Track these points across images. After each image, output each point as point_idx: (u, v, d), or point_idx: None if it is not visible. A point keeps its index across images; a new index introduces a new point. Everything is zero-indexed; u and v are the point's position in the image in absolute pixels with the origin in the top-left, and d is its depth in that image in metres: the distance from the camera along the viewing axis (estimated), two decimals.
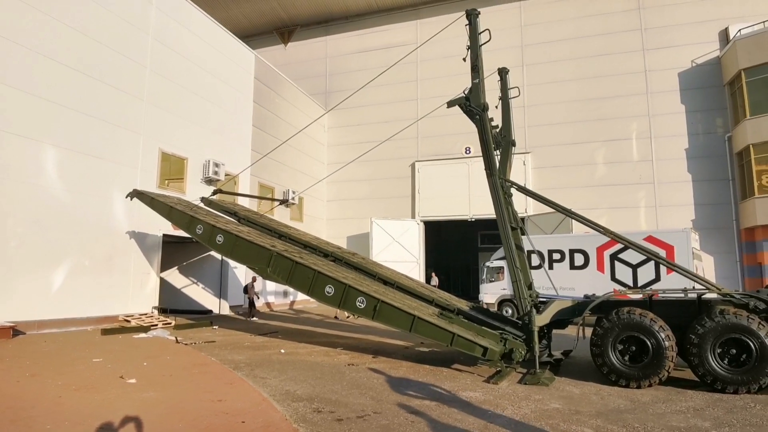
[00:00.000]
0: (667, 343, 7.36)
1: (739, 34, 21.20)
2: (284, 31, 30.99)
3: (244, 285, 18.98)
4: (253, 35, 30.64)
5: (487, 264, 19.44)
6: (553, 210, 9.87)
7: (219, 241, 11.69)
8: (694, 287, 8.39)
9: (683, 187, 22.36)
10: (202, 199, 15.46)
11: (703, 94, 22.64)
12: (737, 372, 7.04)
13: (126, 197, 14.58)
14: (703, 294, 8.02)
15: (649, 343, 7.41)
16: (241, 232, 11.94)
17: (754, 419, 5.81)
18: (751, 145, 20.21)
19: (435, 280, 24.07)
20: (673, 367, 7.48)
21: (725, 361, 7.17)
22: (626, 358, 7.59)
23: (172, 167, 17.38)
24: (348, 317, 17.17)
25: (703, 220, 21.51)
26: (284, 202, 18.51)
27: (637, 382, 7.40)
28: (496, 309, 16.92)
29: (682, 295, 8.30)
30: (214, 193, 15.79)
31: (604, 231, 8.95)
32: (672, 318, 7.69)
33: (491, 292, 18.59)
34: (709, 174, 22.12)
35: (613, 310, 7.85)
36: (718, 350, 7.19)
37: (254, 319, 17.47)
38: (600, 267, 15.41)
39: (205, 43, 19.40)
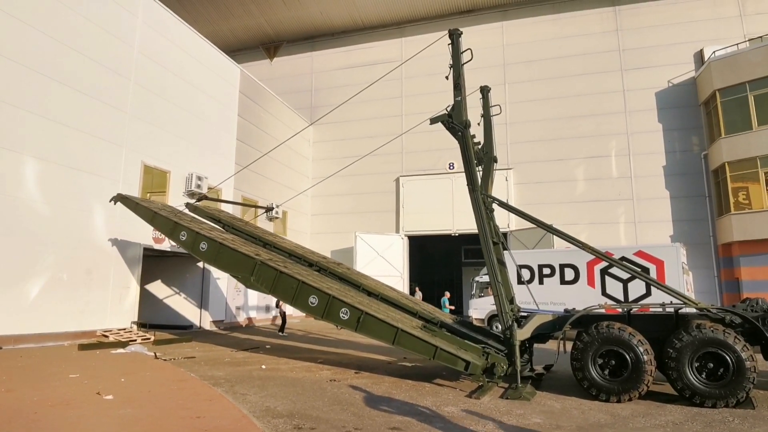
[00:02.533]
0: (645, 357, 7.46)
1: (713, 55, 21.95)
2: (270, 47, 31.16)
3: (276, 299, 18.81)
4: (238, 50, 30.75)
5: (476, 279, 19.44)
6: (534, 225, 10.00)
7: (203, 248, 11.49)
8: (672, 302, 8.54)
9: (661, 203, 22.85)
10: (187, 206, 15.29)
11: (679, 113, 23.31)
12: (715, 386, 7.13)
13: (110, 201, 14.34)
14: (680, 308, 8.17)
15: (628, 357, 7.50)
16: (225, 239, 11.80)
17: None
18: (726, 163, 20.79)
19: (419, 294, 24.05)
20: (652, 381, 7.58)
21: (703, 375, 7.25)
22: (606, 372, 7.66)
23: (155, 180, 17.21)
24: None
25: (681, 235, 21.95)
26: (269, 209, 18.41)
27: (617, 397, 7.46)
28: (486, 324, 16.91)
29: (660, 309, 8.44)
30: (200, 199, 15.65)
31: (582, 246, 9.09)
32: (650, 332, 7.79)
33: (481, 307, 18.50)
34: (687, 191, 22.66)
35: (593, 324, 7.95)
36: (696, 364, 7.28)
37: (282, 334, 17.24)
38: (590, 282, 15.51)
39: (190, 57, 19.41)
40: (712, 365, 7.24)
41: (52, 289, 13.20)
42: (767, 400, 7.61)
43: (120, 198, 14.26)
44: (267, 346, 14.19)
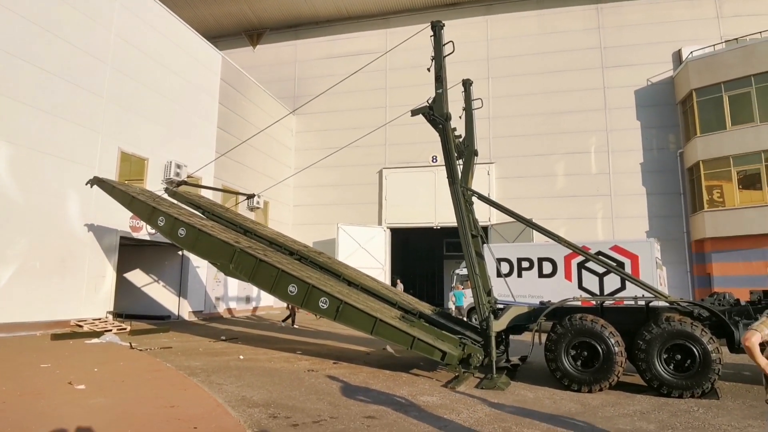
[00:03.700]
0: (616, 348, 7.65)
1: (691, 55, 22.36)
2: (253, 34, 30.70)
3: None
4: (220, 36, 30.23)
5: (457, 272, 19.61)
6: (514, 219, 10.12)
7: (181, 234, 11.30)
8: (643, 295, 8.75)
9: (638, 199, 23.30)
10: (167, 190, 15.01)
11: (657, 111, 23.73)
12: (682, 377, 7.36)
13: (86, 184, 13.97)
14: (651, 302, 8.38)
15: (600, 348, 7.68)
16: (204, 226, 11.63)
17: (696, 422, 6.07)
18: (701, 161, 21.28)
19: (400, 287, 24.17)
20: (622, 372, 7.78)
21: (671, 367, 7.47)
22: (578, 363, 7.84)
23: (132, 168, 16.89)
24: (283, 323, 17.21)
25: (656, 231, 22.44)
26: (251, 197, 18.21)
27: (588, 387, 7.64)
28: (465, 316, 17.08)
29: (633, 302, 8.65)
30: (179, 184, 15.39)
31: (559, 240, 9.24)
32: (622, 324, 7.98)
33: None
34: (662, 188, 23.15)
35: (567, 316, 8.11)
36: (664, 356, 7.50)
37: (292, 326, 17.06)
38: (568, 275, 15.72)
39: (170, 42, 19.01)
40: (679, 357, 7.47)
41: (23, 278, 12.89)
42: (731, 391, 7.87)
43: (96, 181, 13.88)
44: (237, 340, 14.12)
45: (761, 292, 8.45)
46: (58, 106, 14.06)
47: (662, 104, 23.67)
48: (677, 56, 23.70)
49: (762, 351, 3.35)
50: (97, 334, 12.88)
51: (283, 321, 17.77)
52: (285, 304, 26.05)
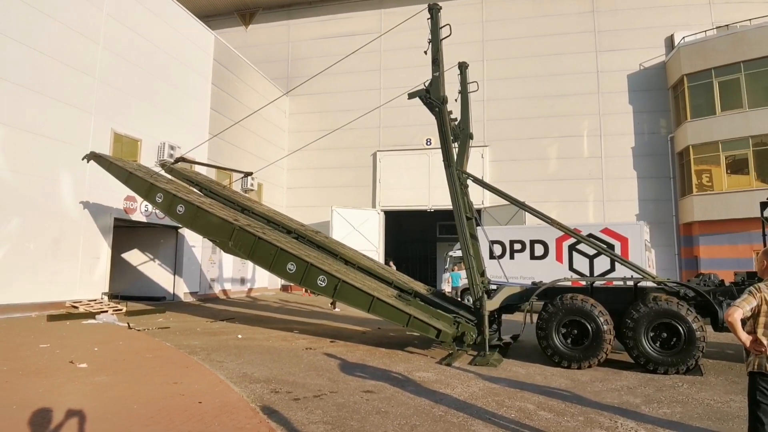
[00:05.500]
0: (605, 327, 7.91)
1: (683, 41, 22.45)
2: (245, 13, 30.25)
3: None
4: (212, 15, 29.73)
5: (450, 253, 19.85)
6: (507, 202, 10.29)
7: (180, 211, 11.29)
8: (632, 276, 9.00)
9: (629, 183, 23.60)
10: (163, 167, 14.95)
11: (649, 96, 23.89)
12: (667, 354, 7.63)
13: (83, 159, 13.89)
14: (639, 282, 8.64)
15: (589, 327, 7.94)
16: (203, 203, 11.65)
17: (680, 397, 6.34)
18: (690, 146, 21.54)
19: (393, 268, 24.39)
20: (611, 349, 8.06)
21: (657, 344, 7.74)
22: (568, 341, 8.10)
23: (125, 149, 16.79)
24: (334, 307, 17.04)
25: (646, 214, 22.78)
26: (248, 174, 18.20)
27: (578, 364, 7.92)
28: (459, 297, 17.38)
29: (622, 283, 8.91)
30: (176, 161, 15.34)
31: (551, 222, 9.43)
32: (611, 304, 8.24)
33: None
34: (653, 171, 23.43)
35: (558, 296, 8.35)
36: (651, 334, 7.76)
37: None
38: (559, 257, 15.97)
39: (162, 22, 18.74)
40: (665, 335, 7.74)
41: (17, 260, 12.89)
42: (715, 368, 8.19)
43: (93, 156, 13.76)
44: (234, 320, 14.29)
45: (745, 274, 8.73)
46: (50, 87, 13.90)
47: (654, 89, 23.82)
48: (669, 41, 23.78)
49: (744, 326, 3.54)
50: (93, 315, 12.98)
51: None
52: (280, 286, 26.32)
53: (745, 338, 3.50)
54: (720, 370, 8.01)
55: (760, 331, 3.50)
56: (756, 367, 3.53)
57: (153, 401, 5.62)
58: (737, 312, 3.44)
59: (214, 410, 5.32)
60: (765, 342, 3.46)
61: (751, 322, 3.56)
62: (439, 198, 24.04)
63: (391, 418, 5.22)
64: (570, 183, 24.12)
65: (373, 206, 26.22)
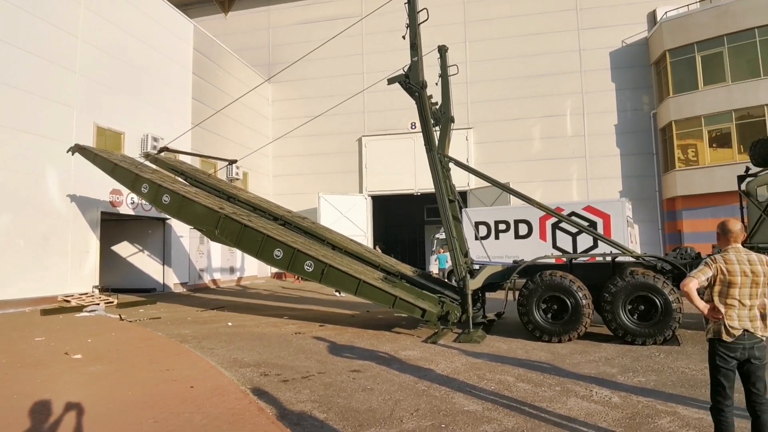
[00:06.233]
0: (584, 301, 8.19)
1: (665, 16, 22.56)
2: (224, 0, 29.80)
3: None
4: (191, 3, 29.24)
5: (437, 236, 20.11)
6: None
7: (165, 201, 11.37)
8: (611, 251, 9.26)
9: (612, 160, 23.90)
10: (147, 157, 14.94)
11: (631, 72, 24.07)
12: (645, 326, 7.93)
13: (67, 152, 13.88)
14: (617, 257, 8.92)
15: (568, 302, 8.22)
16: (188, 192, 11.72)
17: (656, 366, 6.63)
18: (673, 122, 21.82)
19: (379, 252, 24.64)
20: (590, 323, 8.35)
21: (635, 317, 8.04)
22: (549, 316, 8.38)
23: (108, 142, 16.68)
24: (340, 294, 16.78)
25: (629, 191, 23.15)
26: (232, 162, 18.19)
27: (558, 337, 8.22)
28: (446, 278, 17.67)
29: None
30: (161, 151, 15.33)
31: (531, 202, 9.65)
32: (589, 279, 8.53)
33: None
34: (636, 148, 23.74)
35: (538, 273, 8.61)
36: (629, 307, 8.05)
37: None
38: (542, 236, 16.19)
39: (140, 12, 18.47)
40: (643, 307, 8.03)
41: (8, 256, 12.93)
42: (692, 337, 8.52)
43: (78, 148, 13.74)
44: (224, 308, 14.46)
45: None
46: (29, 82, 13.75)
47: (637, 66, 23.99)
48: (652, 17, 23.88)
49: (702, 296, 3.74)
50: (86, 308, 13.08)
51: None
52: (270, 274, 26.48)
53: (703, 306, 3.69)
54: (697, 340, 8.30)
55: (716, 299, 3.70)
56: (714, 333, 3.73)
57: (147, 387, 5.81)
58: (692, 282, 3.63)
59: (206, 393, 5.52)
60: (722, 309, 3.65)
61: (708, 291, 3.76)
62: (426, 182, 23.93)
63: (376, 394, 5.45)
64: (554, 162, 24.37)
65: (360, 191, 26.33)
